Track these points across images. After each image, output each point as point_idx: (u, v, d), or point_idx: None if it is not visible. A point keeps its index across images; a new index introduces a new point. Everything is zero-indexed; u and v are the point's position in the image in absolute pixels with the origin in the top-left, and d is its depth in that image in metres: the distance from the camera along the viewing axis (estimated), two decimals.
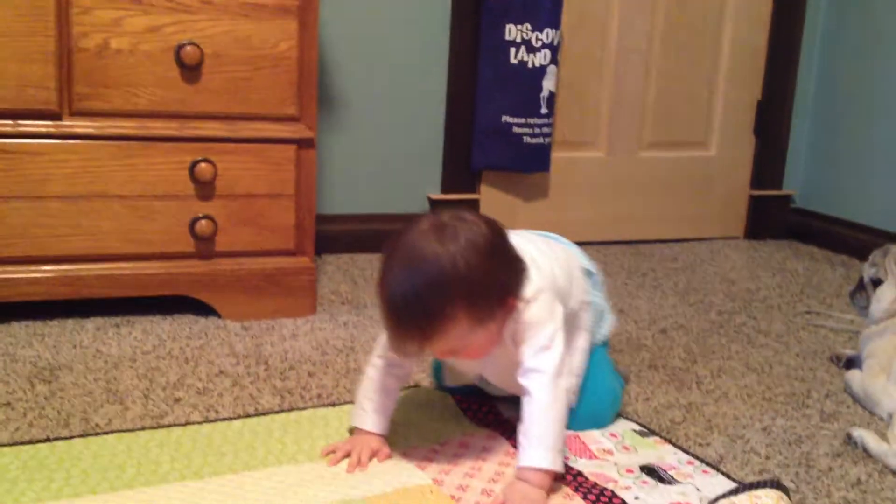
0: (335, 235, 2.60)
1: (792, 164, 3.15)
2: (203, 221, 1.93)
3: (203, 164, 1.91)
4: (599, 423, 1.51)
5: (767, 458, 1.47)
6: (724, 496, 1.19)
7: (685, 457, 1.43)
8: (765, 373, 1.84)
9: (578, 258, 1.56)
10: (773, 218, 3.13)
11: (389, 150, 2.68)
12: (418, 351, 1.27)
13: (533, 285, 1.32)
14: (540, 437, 1.26)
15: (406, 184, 2.72)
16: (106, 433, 1.39)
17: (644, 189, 2.97)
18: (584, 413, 1.48)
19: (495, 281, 1.25)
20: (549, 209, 2.85)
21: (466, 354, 1.31)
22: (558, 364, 1.30)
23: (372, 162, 2.66)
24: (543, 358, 1.30)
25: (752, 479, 1.37)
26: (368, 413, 1.38)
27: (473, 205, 2.76)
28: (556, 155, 2.80)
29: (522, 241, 1.39)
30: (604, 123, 2.89)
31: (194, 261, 1.96)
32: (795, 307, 2.32)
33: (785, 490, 1.21)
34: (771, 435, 1.55)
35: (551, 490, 1.27)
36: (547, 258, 1.42)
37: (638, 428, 1.52)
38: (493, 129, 2.68)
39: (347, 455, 1.35)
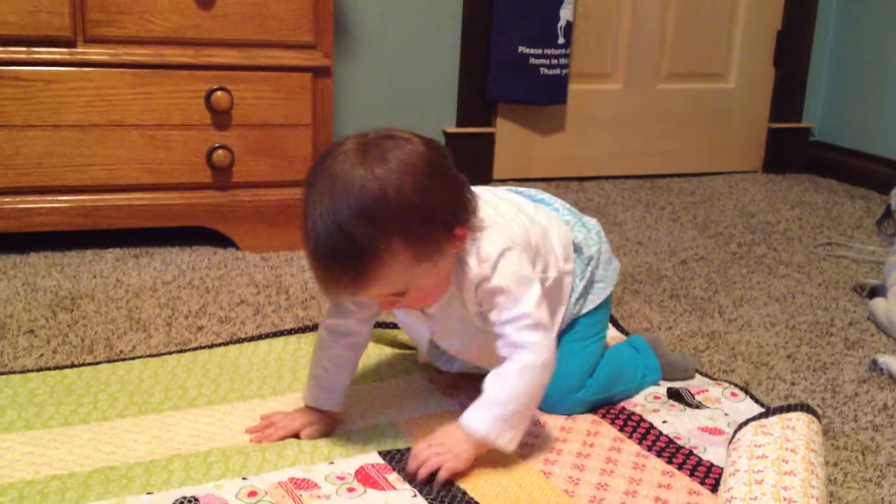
0: None
1: (811, 96, 3.10)
2: (220, 151, 1.91)
3: (219, 93, 1.88)
4: (554, 405, 1.28)
5: (793, 384, 1.46)
6: (754, 419, 1.19)
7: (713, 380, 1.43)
8: (787, 302, 1.83)
9: (568, 230, 1.31)
10: (791, 151, 3.09)
11: (404, 82, 2.64)
12: (353, 299, 1.08)
13: (500, 238, 1.13)
14: (507, 415, 1.09)
15: (421, 116, 2.68)
16: (132, 359, 1.39)
17: (661, 122, 2.92)
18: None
19: (436, 205, 1.05)
20: (566, 143, 2.82)
21: (414, 301, 1.12)
22: (550, 345, 1.12)
23: (386, 94, 2.63)
24: (532, 336, 1.11)
25: (778, 404, 1.37)
26: (315, 389, 1.22)
27: (489, 138, 2.73)
28: (573, 87, 2.76)
29: (489, 192, 1.23)
30: (621, 55, 2.84)
31: (212, 191, 1.95)
32: (816, 239, 2.30)
33: (815, 414, 1.21)
34: (796, 362, 1.55)
35: (480, 450, 1.12)
36: (518, 213, 1.23)
37: None
38: (510, 60, 2.63)
39: (287, 435, 1.19)
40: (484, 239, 1.12)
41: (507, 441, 1.11)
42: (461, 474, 1.11)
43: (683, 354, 1.47)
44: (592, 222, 1.36)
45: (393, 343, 1.49)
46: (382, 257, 1.03)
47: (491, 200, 1.21)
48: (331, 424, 1.22)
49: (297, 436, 1.19)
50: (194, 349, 1.44)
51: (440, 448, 1.11)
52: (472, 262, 1.12)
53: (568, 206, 1.37)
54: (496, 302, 1.12)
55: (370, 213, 1.01)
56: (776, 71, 3.03)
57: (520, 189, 1.36)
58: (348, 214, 1.01)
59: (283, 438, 1.18)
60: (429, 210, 1.04)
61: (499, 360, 1.13)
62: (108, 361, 1.38)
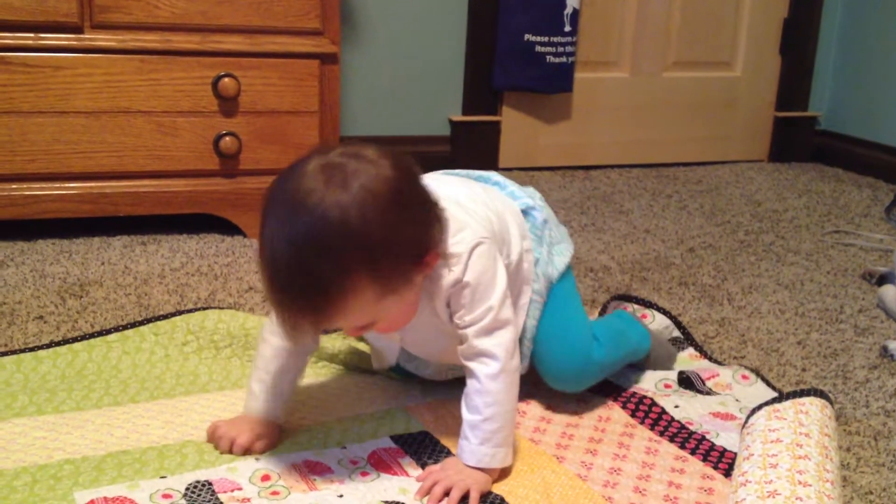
0: None
1: (818, 85, 3.09)
2: (227, 138, 1.90)
3: (226, 80, 1.87)
4: (569, 383, 1.25)
5: (804, 370, 1.46)
6: (767, 403, 1.18)
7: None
8: (796, 289, 1.83)
9: (512, 198, 1.27)
10: (797, 140, 3.08)
11: (410, 70, 2.63)
12: (313, 331, 1.03)
13: (468, 235, 1.07)
14: (490, 434, 1.05)
15: (427, 105, 2.67)
16: (142, 323, 1.39)
17: (667, 111, 2.92)
18: (549, 367, 1.24)
19: (404, 237, 0.98)
20: (572, 132, 2.81)
21: (384, 328, 1.09)
22: (511, 345, 1.07)
23: (392, 82, 2.62)
24: (494, 340, 1.06)
25: (789, 389, 1.37)
26: (257, 397, 1.14)
27: (495, 127, 2.72)
28: (579, 75, 2.75)
29: (443, 183, 1.16)
30: (627, 43, 2.83)
31: (219, 179, 1.94)
32: (823, 227, 2.30)
33: (828, 399, 1.20)
34: (806, 348, 1.54)
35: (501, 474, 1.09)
36: (476, 202, 1.16)
37: (674, 335, 1.50)
38: (516, 47, 2.62)
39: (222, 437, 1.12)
40: (450, 240, 1.06)
41: (501, 460, 1.07)
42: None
43: (668, 343, 1.45)
44: (531, 190, 1.31)
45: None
46: (346, 294, 0.96)
47: (449, 193, 1.13)
48: (277, 436, 1.14)
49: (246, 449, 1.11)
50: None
51: (459, 476, 1.05)
52: (441, 269, 1.06)
53: (507, 179, 1.32)
54: (462, 302, 1.07)
55: (332, 247, 0.93)
56: (782, 59, 3.02)
57: (459, 171, 1.30)
58: (309, 247, 0.93)
59: (228, 452, 1.10)
60: (396, 243, 0.97)
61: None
62: (117, 329, 1.37)
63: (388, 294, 0.99)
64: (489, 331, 1.07)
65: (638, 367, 1.39)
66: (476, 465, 1.06)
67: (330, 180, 0.95)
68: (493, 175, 1.31)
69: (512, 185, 1.30)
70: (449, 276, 1.06)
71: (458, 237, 1.07)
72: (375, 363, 1.30)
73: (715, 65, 2.96)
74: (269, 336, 1.14)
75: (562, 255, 1.27)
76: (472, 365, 1.07)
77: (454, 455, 1.10)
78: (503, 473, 1.09)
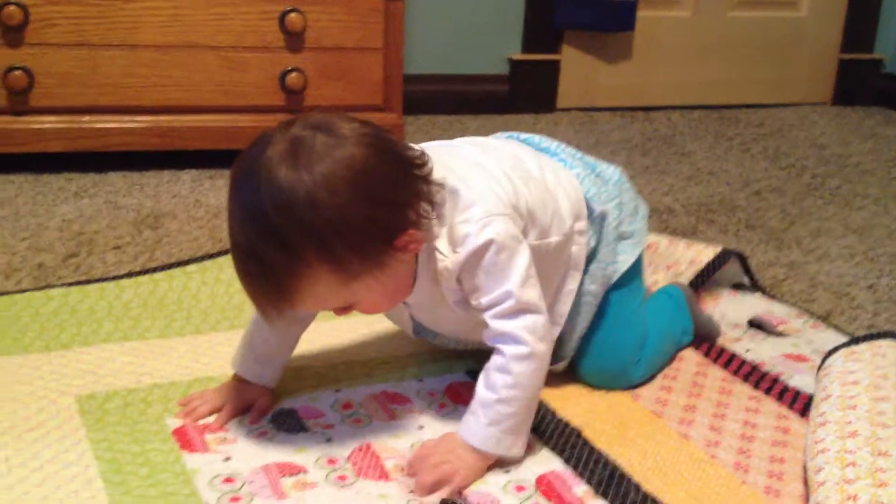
0: (414, 96, 2.55)
1: (883, 26, 3.00)
2: (293, 74, 1.91)
3: (293, 15, 1.87)
4: (612, 382, 1.16)
5: (875, 314, 1.45)
6: (843, 346, 1.18)
7: (794, 309, 1.42)
8: (865, 234, 1.81)
9: (577, 183, 1.13)
10: (862, 83, 3.01)
11: (470, 9, 2.60)
12: (278, 315, 0.95)
13: (477, 211, 0.97)
14: (502, 417, 0.96)
15: (486, 44, 2.65)
16: (219, 255, 1.44)
17: (730, 51, 2.86)
18: (589, 368, 1.16)
19: (366, 220, 0.90)
20: (632, 72, 2.77)
21: (368, 309, 1.02)
22: (541, 329, 0.98)
23: (452, 20, 2.59)
24: (520, 322, 0.97)
25: (861, 333, 1.36)
26: (249, 363, 1.08)
27: (554, 66, 2.69)
28: (641, 14, 2.70)
29: (477, 152, 1.07)
30: None
31: (285, 114, 1.92)
32: (890, 172, 2.25)
33: None
34: (877, 293, 1.53)
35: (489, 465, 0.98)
36: (507, 168, 1.05)
37: (742, 282, 1.50)
38: None
39: (214, 411, 1.05)
40: (457, 218, 0.97)
41: (507, 448, 0.97)
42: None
43: (710, 317, 1.35)
44: (610, 171, 1.19)
45: None
46: (301, 281, 0.90)
47: (477, 158, 1.05)
48: (272, 400, 1.09)
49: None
50: None
51: (446, 458, 0.95)
52: (444, 248, 0.98)
53: (580, 155, 1.20)
54: (476, 283, 0.98)
55: (281, 231, 0.87)
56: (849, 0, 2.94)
57: (524, 136, 1.20)
58: (259, 229, 0.88)
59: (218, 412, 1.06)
60: (355, 228, 0.90)
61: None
62: (195, 260, 1.42)
63: (354, 280, 0.92)
64: (512, 314, 0.97)
65: None
66: (478, 446, 0.96)
67: (287, 157, 0.88)
68: (562, 151, 1.19)
69: (578, 167, 1.16)
70: (453, 259, 0.97)
71: (466, 215, 0.97)
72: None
73: (780, 4, 2.89)
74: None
75: (627, 252, 1.16)
76: (498, 344, 0.98)
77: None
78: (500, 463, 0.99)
